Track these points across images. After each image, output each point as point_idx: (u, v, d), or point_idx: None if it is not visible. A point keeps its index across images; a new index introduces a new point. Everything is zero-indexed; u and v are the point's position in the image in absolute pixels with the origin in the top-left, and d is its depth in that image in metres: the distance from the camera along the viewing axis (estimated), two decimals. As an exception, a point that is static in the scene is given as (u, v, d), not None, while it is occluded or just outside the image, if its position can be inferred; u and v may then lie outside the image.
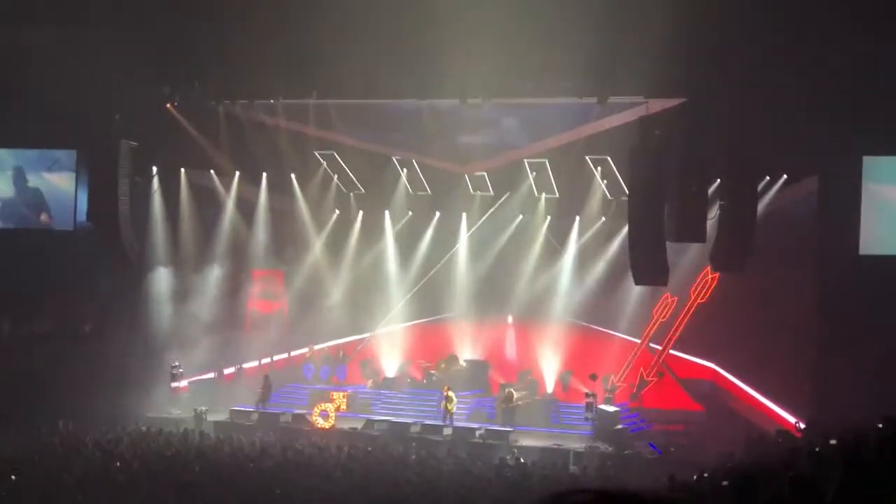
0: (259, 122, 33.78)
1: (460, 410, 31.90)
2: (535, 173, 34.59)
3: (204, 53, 29.59)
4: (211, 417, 32.20)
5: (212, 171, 35.90)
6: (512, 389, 31.87)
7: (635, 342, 34.58)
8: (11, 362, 33.21)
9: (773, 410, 30.20)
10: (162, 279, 35.31)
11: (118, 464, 23.74)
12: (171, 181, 35.49)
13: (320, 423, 31.79)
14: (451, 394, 31.40)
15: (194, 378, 34.74)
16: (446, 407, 31.15)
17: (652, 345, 34.53)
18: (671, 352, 34.27)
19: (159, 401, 33.40)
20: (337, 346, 36.97)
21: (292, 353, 37.50)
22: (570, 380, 33.83)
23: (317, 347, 36.97)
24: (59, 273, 34.10)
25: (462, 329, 36.13)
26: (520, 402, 31.45)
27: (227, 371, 35.74)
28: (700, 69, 26.80)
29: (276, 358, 37.25)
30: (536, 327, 35.04)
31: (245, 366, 36.34)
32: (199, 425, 30.97)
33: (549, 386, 34.33)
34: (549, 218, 35.94)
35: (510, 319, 36.28)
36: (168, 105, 32.94)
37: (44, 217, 35.57)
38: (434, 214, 37.19)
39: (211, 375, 35.32)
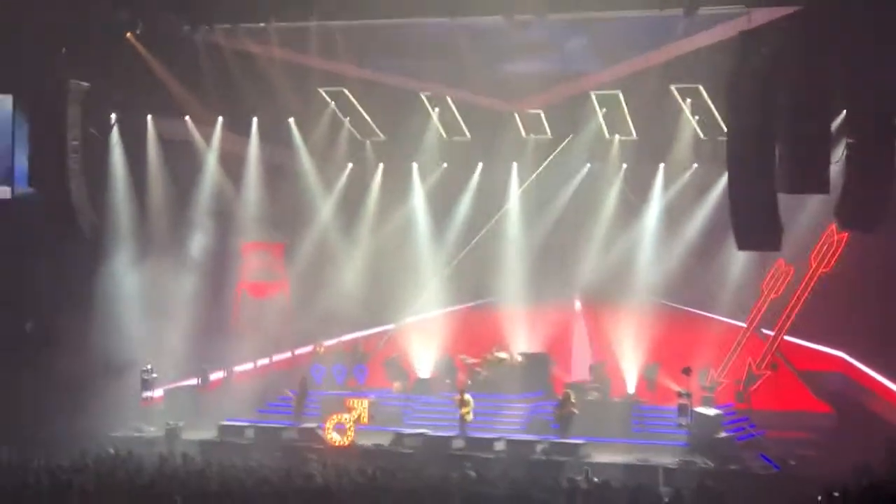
0: (247, 52, 33.61)
1: (513, 420, 32.16)
2: (605, 109, 34.40)
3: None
4: (193, 435, 32.41)
5: (187, 118, 36.02)
6: (570, 391, 31.93)
7: (741, 326, 34.34)
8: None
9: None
10: (126, 258, 35.28)
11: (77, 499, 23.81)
12: (136, 132, 35.56)
13: (336, 439, 31.92)
14: (467, 396, 31.69)
15: (171, 385, 35.09)
16: (462, 414, 31.37)
17: (763, 329, 34.30)
18: (787, 338, 33.98)
19: (127, 416, 33.54)
20: (354, 339, 36.98)
21: (297, 351, 37.74)
22: (656, 375, 33.91)
23: (328, 342, 37.01)
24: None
25: (515, 315, 36.11)
26: (575, 410, 31.09)
27: (213, 376, 36.00)
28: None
29: (276, 357, 37.45)
30: (611, 311, 34.85)
31: (236, 368, 36.57)
32: (172, 445, 30.96)
33: (630, 384, 34.36)
34: (624, 166, 35.76)
35: (577, 305, 36.07)
36: (128, 34, 32.91)
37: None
38: (476, 166, 37.03)
39: (192, 382, 35.69)
